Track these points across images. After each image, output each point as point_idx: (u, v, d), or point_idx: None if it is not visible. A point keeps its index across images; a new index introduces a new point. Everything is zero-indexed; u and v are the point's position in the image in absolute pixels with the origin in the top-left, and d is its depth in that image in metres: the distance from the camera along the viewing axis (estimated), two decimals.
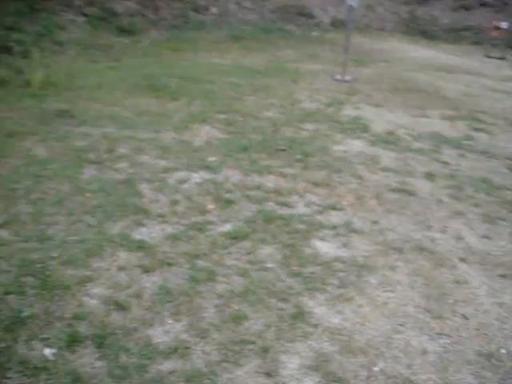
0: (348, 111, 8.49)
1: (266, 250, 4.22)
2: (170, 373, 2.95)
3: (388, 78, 11.63)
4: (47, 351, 3.00)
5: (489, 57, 16.49)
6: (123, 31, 13.05)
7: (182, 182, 5.28)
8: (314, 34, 17.39)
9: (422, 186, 5.77)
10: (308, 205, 5.06)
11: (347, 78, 10.93)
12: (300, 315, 3.50)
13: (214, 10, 16.68)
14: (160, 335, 3.21)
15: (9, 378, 2.82)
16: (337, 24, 18.57)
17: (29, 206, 4.61)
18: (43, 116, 6.79)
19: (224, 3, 17.27)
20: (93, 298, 3.50)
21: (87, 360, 2.97)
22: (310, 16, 18.88)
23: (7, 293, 3.48)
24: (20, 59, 9.80)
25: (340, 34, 16.93)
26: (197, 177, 5.43)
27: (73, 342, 3.08)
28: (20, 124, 6.45)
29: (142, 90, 8.45)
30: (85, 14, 13.21)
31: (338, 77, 10.97)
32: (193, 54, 12.14)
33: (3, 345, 3.04)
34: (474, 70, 13.85)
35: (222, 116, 7.50)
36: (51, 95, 7.78)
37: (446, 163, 6.57)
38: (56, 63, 9.82)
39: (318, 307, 3.61)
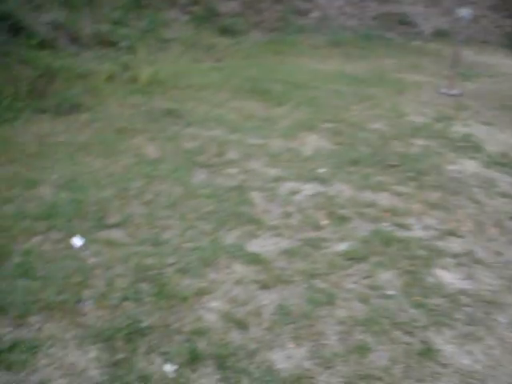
0: (458, 128, 8.09)
1: (385, 275, 3.98)
2: None
3: (495, 95, 11.08)
4: (167, 367, 2.88)
5: None
6: (225, 31, 13.05)
7: (294, 193, 5.11)
8: (416, 43, 16.89)
9: None
10: (426, 228, 4.78)
11: (454, 91, 10.48)
12: (428, 352, 3.24)
13: (314, 14, 16.48)
14: (282, 360, 3.04)
15: None
16: (439, 34, 17.97)
17: (142, 207, 4.56)
18: (152, 114, 6.80)
19: (325, 8, 17.04)
20: (210, 312, 3.37)
21: (208, 381, 2.83)
22: (412, 25, 18.36)
23: (124, 299, 3.41)
24: (125, 55, 9.92)
25: (442, 45, 16.40)
26: (308, 188, 5.25)
27: (193, 359, 2.95)
28: (129, 121, 6.47)
29: (246, 93, 8.36)
30: (188, 13, 13.30)
31: (444, 90, 10.53)
32: (294, 58, 11.98)
33: (122, 356, 2.94)
34: None
35: (329, 125, 7.29)
36: (158, 93, 7.80)
37: None
38: (161, 61, 9.87)
39: (445, 345, 3.34)
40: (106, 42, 10.20)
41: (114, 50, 10.13)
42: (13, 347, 2.94)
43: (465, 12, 10.17)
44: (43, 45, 9.00)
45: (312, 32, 15.09)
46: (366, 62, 12.66)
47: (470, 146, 7.21)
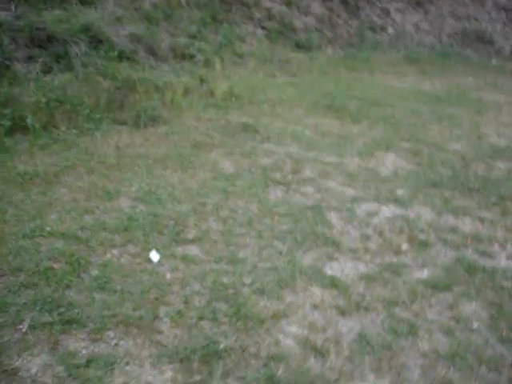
0: None
1: (469, 307, 3.79)
2: None
3: None
4: None
5: None
6: (300, 46, 12.99)
7: (372, 214, 4.97)
8: (494, 61, 16.41)
9: None
10: (511, 257, 4.55)
11: None
12: None
13: (390, 30, 16.25)
14: None
15: None
16: None
17: (218, 223, 4.52)
18: (228, 129, 6.78)
19: (401, 24, 16.79)
20: (288, 336, 3.28)
21: None
22: (490, 42, 17.87)
23: (201, 318, 3.36)
24: (202, 68, 9.99)
25: None
26: (387, 211, 5.10)
27: None
28: (206, 135, 6.47)
29: (321, 109, 8.26)
30: (264, 28, 13.32)
31: None
32: (369, 75, 11.82)
33: (198, 378, 2.88)
34: None
35: (407, 144, 7.10)
36: (234, 107, 7.79)
37: None
38: (236, 75, 9.89)
39: None
40: (182, 56, 10.29)
41: (190, 64, 10.20)
42: (89, 362, 2.92)
43: None
44: (122, 57, 9.14)
45: (387, 48, 14.89)
46: (444, 80, 12.36)
47: None
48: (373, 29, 15.79)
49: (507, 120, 9.42)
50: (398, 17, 17.18)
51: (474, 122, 8.83)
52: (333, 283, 3.84)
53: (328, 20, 14.93)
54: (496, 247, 4.69)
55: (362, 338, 3.31)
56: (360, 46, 14.31)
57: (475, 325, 3.61)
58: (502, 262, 4.48)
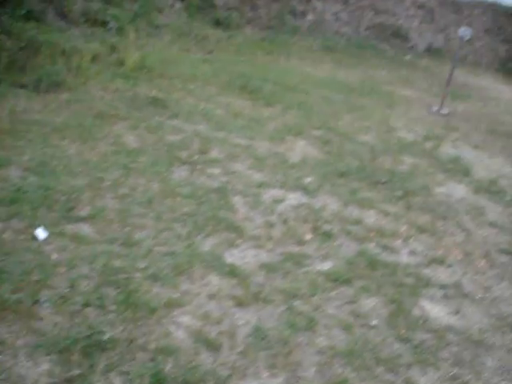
0: (447, 149, 7.88)
1: (369, 302, 3.72)
2: None
3: (485, 118, 10.93)
4: None
5: None
6: (218, 24, 12.70)
7: (278, 201, 4.83)
8: (408, 57, 16.74)
9: None
10: (413, 253, 4.54)
11: (444, 111, 10.31)
12: None
13: (310, 16, 16.21)
14: None
15: None
16: (432, 51, 17.87)
17: (115, 201, 4.24)
18: (135, 101, 6.46)
19: (321, 12, 16.79)
20: (180, 328, 3.07)
21: None
22: (405, 38, 18.22)
23: (86, 304, 3.09)
24: (114, 36, 9.54)
25: (434, 62, 16.35)
26: (293, 198, 4.97)
27: (156, 383, 2.64)
28: (111, 106, 6.12)
29: (235, 90, 8.05)
30: (183, 0, 12.91)
31: (435, 109, 10.35)
32: (286, 60, 11.70)
33: (77, 372, 2.63)
34: None
35: (318, 132, 7.02)
36: (144, 80, 7.45)
37: None
38: (150, 46, 9.51)
39: None
40: (94, 21, 9.78)
41: (102, 30, 9.72)
42: None
43: (465, 31, 9.99)
44: (30, 17, 8.59)
45: (306, 35, 14.83)
46: (358, 71, 12.44)
47: (458, 170, 7.00)
48: (293, 13, 15.68)
49: (416, 115, 9.56)
50: (318, 4, 17.13)
51: (384, 115, 8.89)
52: (232, 272, 3.67)
53: (249, 0, 14.68)
54: (399, 242, 4.67)
55: (258, 332, 3.16)
56: (279, 29, 14.18)
57: (374, 321, 3.54)
58: (404, 257, 4.45)
